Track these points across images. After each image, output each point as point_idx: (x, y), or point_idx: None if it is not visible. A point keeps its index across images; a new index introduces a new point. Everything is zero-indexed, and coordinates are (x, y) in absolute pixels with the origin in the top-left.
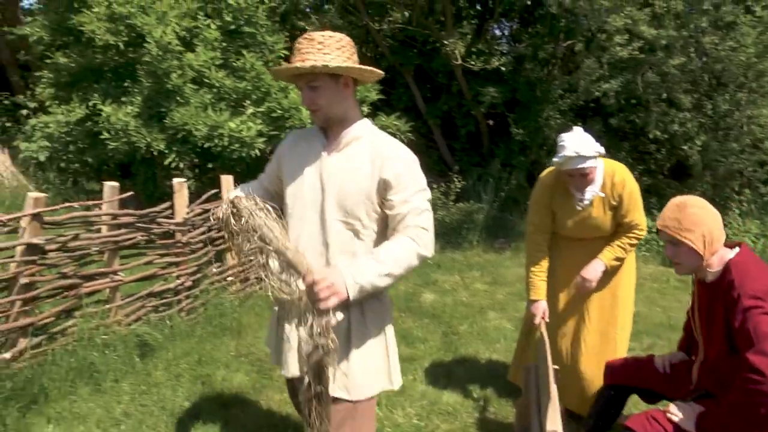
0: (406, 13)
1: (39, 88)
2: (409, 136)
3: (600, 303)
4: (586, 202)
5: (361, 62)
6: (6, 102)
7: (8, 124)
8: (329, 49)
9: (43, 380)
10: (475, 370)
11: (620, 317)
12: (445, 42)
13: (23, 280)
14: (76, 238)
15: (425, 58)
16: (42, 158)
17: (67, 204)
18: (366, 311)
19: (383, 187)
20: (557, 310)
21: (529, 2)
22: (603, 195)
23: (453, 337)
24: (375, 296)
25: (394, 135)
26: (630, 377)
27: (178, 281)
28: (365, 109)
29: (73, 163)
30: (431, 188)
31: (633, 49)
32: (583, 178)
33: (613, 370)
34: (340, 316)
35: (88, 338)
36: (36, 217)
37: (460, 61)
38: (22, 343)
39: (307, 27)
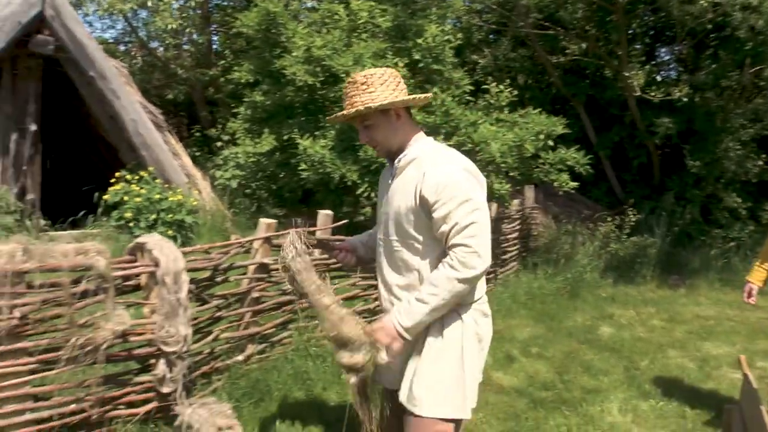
0: (583, 45)
1: (232, 123)
2: (587, 169)
3: None
4: None
5: (531, 92)
6: (197, 134)
7: (197, 154)
8: (373, 87)
9: (268, 382)
10: (662, 407)
11: None
12: (626, 73)
13: (254, 295)
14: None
15: (597, 88)
16: (234, 185)
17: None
18: (445, 326)
19: (425, 204)
20: None
21: (709, 26)
22: None
23: (635, 372)
24: (455, 311)
25: (573, 168)
26: None
27: (376, 302)
28: (551, 143)
29: (261, 189)
30: (605, 220)
31: None
32: None
33: None
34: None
35: (303, 348)
36: (267, 240)
37: (639, 92)
38: (251, 348)
39: (479, 60)
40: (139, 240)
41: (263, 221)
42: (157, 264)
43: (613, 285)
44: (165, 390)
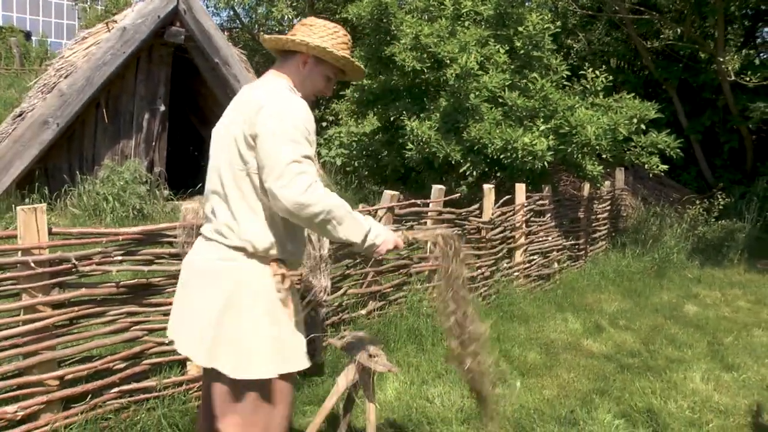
0: (678, 29)
1: (336, 104)
2: (677, 152)
3: None
4: None
5: (625, 76)
6: None
7: None
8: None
9: (387, 334)
10: (744, 379)
11: None
12: (720, 59)
13: (377, 256)
14: (411, 228)
15: (690, 72)
16: (338, 162)
17: (410, 201)
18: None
19: None
20: None
21: None
22: None
23: (719, 347)
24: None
25: (663, 151)
26: None
27: (479, 271)
28: (643, 126)
29: (363, 167)
30: (693, 204)
31: None
32: None
33: None
34: None
35: (416, 308)
36: (390, 209)
37: (733, 78)
38: (372, 305)
39: (574, 45)
40: None
41: (388, 192)
42: None
43: (700, 267)
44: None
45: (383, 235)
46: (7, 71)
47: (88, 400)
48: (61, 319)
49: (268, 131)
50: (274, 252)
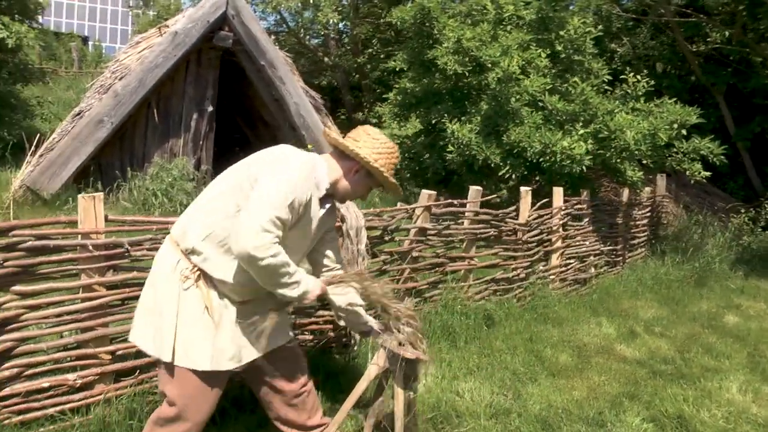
0: (726, 33)
1: (379, 107)
2: (721, 159)
3: None
4: None
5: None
6: (342, 117)
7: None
8: None
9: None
10: None
11: None
12: None
13: (414, 254)
14: (447, 227)
15: (740, 77)
16: None
17: (447, 201)
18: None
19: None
20: None
21: None
22: None
23: (760, 359)
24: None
25: (706, 158)
26: None
27: (514, 272)
28: (684, 132)
29: (404, 170)
30: (738, 212)
31: None
32: None
33: None
34: None
35: (450, 306)
36: (427, 208)
37: None
38: (407, 301)
39: (618, 49)
40: None
41: (425, 192)
42: (343, 220)
43: (744, 278)
44: (342, 323)
45: (312, 290)
46: (66, 74)
47: (136, 375)
48: (115, 298)
49: (268, 184)
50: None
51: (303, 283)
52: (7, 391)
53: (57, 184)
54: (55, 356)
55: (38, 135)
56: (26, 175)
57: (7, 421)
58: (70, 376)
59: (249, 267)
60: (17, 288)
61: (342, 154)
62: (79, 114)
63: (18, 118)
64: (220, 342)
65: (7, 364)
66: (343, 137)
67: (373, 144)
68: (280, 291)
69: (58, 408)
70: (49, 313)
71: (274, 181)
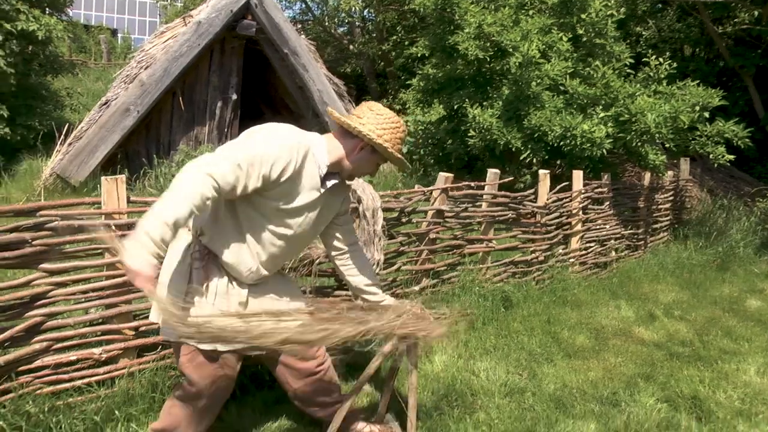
0: (755, 13)
1: (403, 94)
2: (747, 143)
3: None
4: None
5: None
6: None
7: None
8: None
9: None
10: None
11: None
12: None
13: (431, 236)
14: (466, 209)
15: None
16: (404, 150)
17: (464, 183)
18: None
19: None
20: None
21: None
22: None
23: None
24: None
25: (730, 141)
26: None
27: (533, 255)
28: (706, 114)
29: (428, 156)
30: (764, 197)
31: None
32: None
33: None
34: None
35: (468, 287)
36: (444, 190)
37: None
38: (424, 282)
39: (643, 32)
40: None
41: (442, 174)
42: (359, 201)
43: None
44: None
45: (134, 262)
46: (95, 66)
47: (158, 350)
48: None
49: (242, 139)
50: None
51: (149, 244)
52: (38, 362)
53: (85, 172)
54: (81, 331)
55: (67, 125)
56: (56, 163)
57: (39, 391)
58: (96, 350)
59: (174, 181)
60: (45, 266)
61: (346, 132)
62: (106, 103)
63: (48, 109)
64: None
65: (37, 338)
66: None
67: (377, 120)
68: (157, 213)
69: (85, 380)
70: (76, 290)
71: (255, 136)
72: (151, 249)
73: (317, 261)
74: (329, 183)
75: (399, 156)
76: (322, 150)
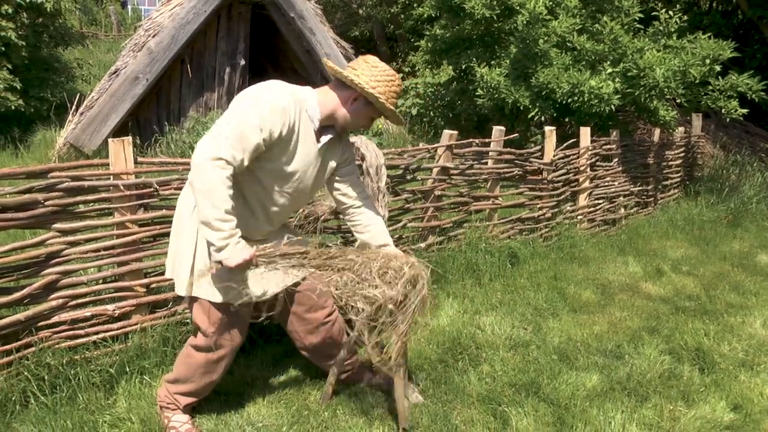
0: None
1: (413, 56)
2: (761, 95)
3: None
4: None
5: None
6: None
7: None
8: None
9: (445, 267)
10: None
11: None
12: None
13: (436, 193)
14: (471, 167)
15: None
16: (414, 112)
17: (469, 140)
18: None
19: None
20: None
21: None
22: None
23: None
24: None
25: (744, 95)
26: None
27: (540, 212)
28: (717, 67)
29: (438, 117)
30: None
31: None
32: None
33: None
34: None
35: (474, 244)
36: (449, 147)
37: None
38: (431, 239)
39: None
40: (350, 140)
41: (447, 132)
42: (363, 158)
43: None
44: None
45: (233, 258)
46: (106, 37)
47: (169, 306)
48: (146, 235)
49: (234, 109)
50: None
51: (229, 239)
52: (55, 318)
53: (98, 141)
54: (94, 288)
55: (78, 95)
56: (69, 132)
57: (57, 346)
58: (110, 307)
59: (192, 179)
60: (58, 225)
61: (341, 84)
62: (115, 72)
63: (61, 81)
64: (234, 276)
65: (53, 295)
66: None
67: (372, 72)
68: (206, 219)
69: (99, 336)
70: (88, 248)
71: (246, 103)
72: (231, 242)
73: (322, 218)
74: (325, 138)
75: (392, 108)
76: (314, 104)
